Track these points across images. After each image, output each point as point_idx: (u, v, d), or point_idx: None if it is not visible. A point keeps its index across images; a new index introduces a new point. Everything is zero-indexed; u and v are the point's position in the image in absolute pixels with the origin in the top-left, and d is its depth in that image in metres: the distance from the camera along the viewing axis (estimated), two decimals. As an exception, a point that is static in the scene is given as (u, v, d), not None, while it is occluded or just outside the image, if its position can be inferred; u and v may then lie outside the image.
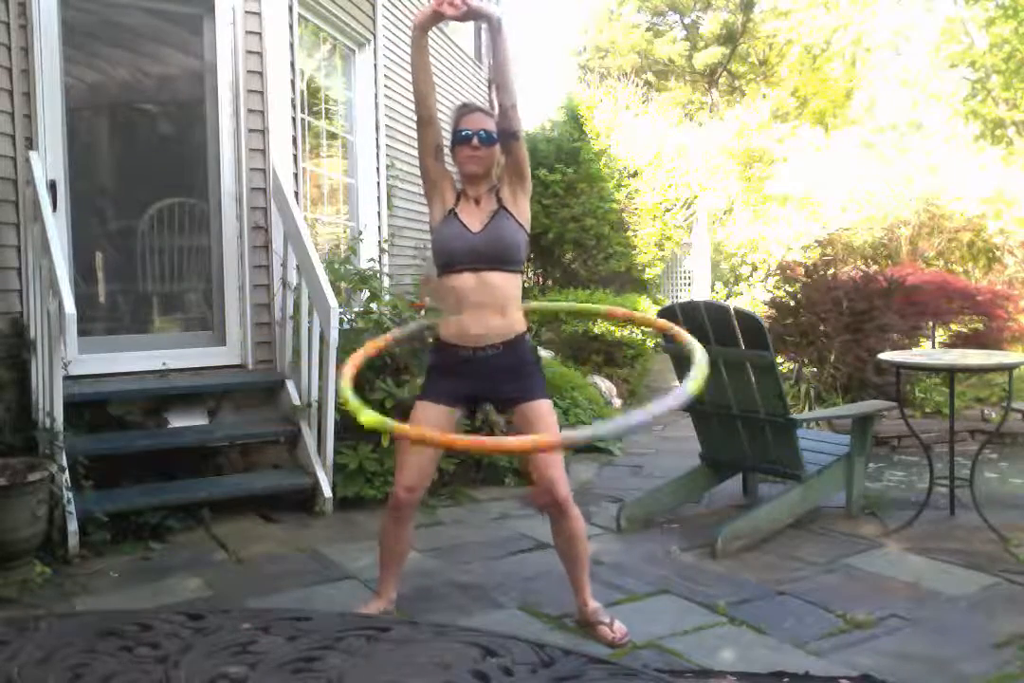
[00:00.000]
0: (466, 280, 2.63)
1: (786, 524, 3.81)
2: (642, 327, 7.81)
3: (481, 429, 4.37)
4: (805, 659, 2.59)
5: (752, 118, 16.62)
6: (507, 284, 2.65)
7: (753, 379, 3.71)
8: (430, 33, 2.62)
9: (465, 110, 2.74)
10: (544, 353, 6.88)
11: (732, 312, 3.73)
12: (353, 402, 2.14)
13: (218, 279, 4.70)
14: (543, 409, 2.69)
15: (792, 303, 6.60)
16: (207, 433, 4.28)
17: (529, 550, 3.61)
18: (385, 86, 6.58)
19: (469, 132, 2.67)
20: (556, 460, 2.70)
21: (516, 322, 2.69)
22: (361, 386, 4.38)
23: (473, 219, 2.67)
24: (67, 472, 3.57)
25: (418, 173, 2.88)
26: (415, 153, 2.85)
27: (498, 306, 2.63)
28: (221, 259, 4.67)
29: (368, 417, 2.10)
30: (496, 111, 2.69)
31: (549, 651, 0.99)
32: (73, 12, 4.34)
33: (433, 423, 2.65)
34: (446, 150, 2.76)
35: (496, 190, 2.71)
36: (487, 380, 2.68)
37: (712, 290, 11.76)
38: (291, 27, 4.88)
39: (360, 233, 5.79)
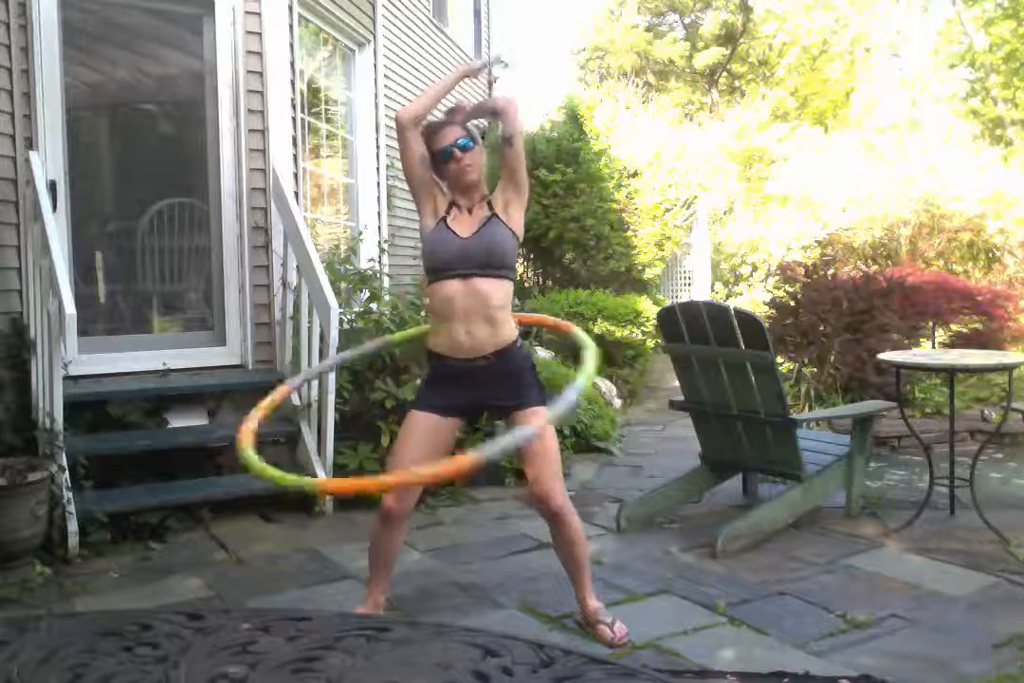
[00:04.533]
0: (454, 287, 2.57)
1: (786, 524, 3.81)
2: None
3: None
4: (805, 659, 2.59)
5: (752, 118, 16.63)
6: (496, 290, 2.59)
7: (753, 379, 3.71)
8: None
9: (431, 130, 2.65)
10: (544, 353, 6.87)
11: (732, 312, 3.73)
12: (257, 465, 2.18)
13: (218, 279, 4.70)
14: (538, 417, 2.65)
15: (792, 303, 6.60)
16: (207, 433, 4.28)
17: (529, 550, 3.61)
18: (385, 86, 6.58)
19: (448, 147, 2.61)
20: (551, 470, 2.67)
21: (507, 330, 2.63)
22: (361, 386, 4.39)
23: (463, 227, 2.63)
24: (67, 472, 3.58)
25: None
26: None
27: (487, 314, 2.57)
28: (221, 259, 4.68)
29: (286, 479, 2.22)
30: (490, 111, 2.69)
31: (549, 651, 0.99)
32: (73, 12, 4.34)
33: (423, 434, 2.64)
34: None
35: (488, 200, 2.67)
36: (481, 388, 2.65)
37: (712, 290, 11.74)
38: (291, 27, 4.88)
39: (360, 233, 5.79)
